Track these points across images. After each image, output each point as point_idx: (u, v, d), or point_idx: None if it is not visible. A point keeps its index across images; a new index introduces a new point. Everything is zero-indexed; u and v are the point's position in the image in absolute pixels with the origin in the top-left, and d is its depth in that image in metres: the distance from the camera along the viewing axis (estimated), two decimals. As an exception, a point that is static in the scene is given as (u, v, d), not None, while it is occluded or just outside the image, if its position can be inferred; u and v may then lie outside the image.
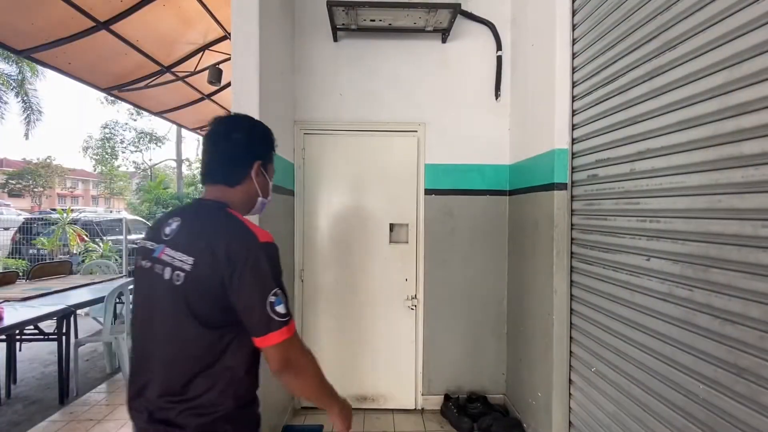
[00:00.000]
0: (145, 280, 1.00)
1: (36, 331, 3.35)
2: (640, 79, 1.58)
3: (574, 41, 2.13)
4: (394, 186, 2.87)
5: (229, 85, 3.86)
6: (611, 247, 1.78)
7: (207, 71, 4.20)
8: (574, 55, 2.13)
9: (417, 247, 2.88)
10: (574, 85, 2.13)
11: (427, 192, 2.89)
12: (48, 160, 24.14)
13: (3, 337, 3.04)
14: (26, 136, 15.02)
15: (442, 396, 2.88)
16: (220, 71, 4.20)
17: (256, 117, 2.04)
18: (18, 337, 3.37)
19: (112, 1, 3.08)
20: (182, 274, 0.91)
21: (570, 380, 2.14)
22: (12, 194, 24.74)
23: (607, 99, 1.81)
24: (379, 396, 2.88)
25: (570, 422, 2.13)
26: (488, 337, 2.93)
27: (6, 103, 14.28)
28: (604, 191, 1.85)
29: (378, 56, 2.89)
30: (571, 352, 2.14)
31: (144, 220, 11.45)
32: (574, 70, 2.13)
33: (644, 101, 1.56)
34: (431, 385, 2.92)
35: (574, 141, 2.13)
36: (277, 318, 0.91)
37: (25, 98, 14.27)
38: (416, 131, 2.89)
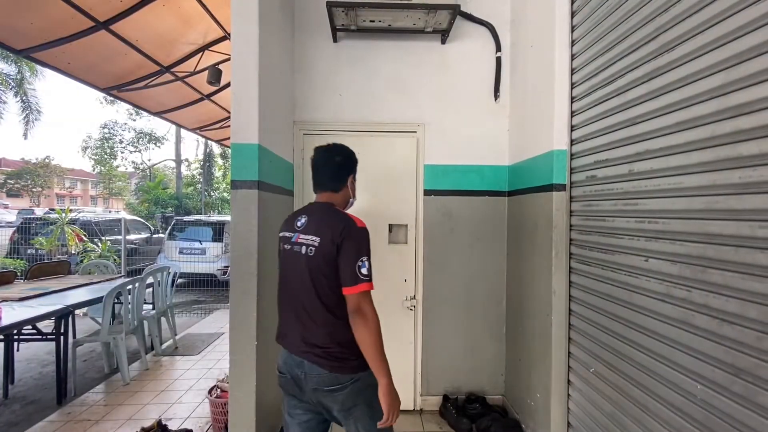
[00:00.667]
0: (289, 258, 1.50)
1: (34, 331, 3.34)
2: (639, 81, 1.59)
3: (573, 42, 2.14)
4: (394, 186, 2.87)
5: (228, 85, 3.86)
6: (610, 248, 1.78)
7: (206, 71, 4.20)
8: (573, 57, 2.14)
9: (416, 247, 2.88)
10: (573, 86, 2.13)
11: (427, 193, 2.90)
12: (47, 160, 24.12)
13: (1, 337, 3.03)
14: (25, 135, 15.01)
15: (441, 397, 2.88)
16: (220, 72, 4.20)
17: (255, 117, 2.05)
18: (16, 337, 3.36)
19: (111, 0, 3.08)
20: (313, 249, 1.41)
21: (568, 381, 2.14)
22: (10, 194, 24.71)
23: (606, 100, 1.82)
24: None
25: (568, 423, 2.13)
26: (487, 338, 2.93)
27: (5, 102, 14.27)
28: (602, 192, 1.85)
29: (377, 57, 2.89)
30: (569, 352, 2.14)
31: (143, 221, 11.42)
32: (573, 71, 2.13)
33: (643, 102, 1.57)
34: (430, 386, 2.92)
35: (573, 142, 2.14)
36: (360, 276, 1.35)
37: (24, 98, 14.26)
38: (416, 132, 2.89)
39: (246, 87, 2.05)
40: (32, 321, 2.79)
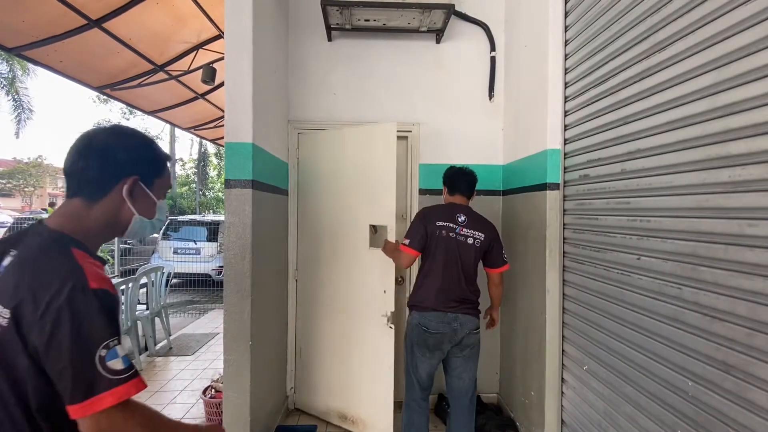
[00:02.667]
0: (452, 242, 2.08)
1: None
2: (631, 80, 1.60)
3: (566, 42, 2.15)
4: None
5: (223, 84, 3.85)
6: (603, 246, 1.80)
7: (201, 70, 4.18)
8: (566, 57, 2.15)
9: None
10: (566, 86, 2.15)
11: (422, 192, 2.90)
12: (39, 160, 23.86)
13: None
14: (17, 134, 14.86)
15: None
16: (214, 70, 4.17)
17: (249, 116, 2.04)
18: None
19: (104, -2, 3.05)
20: (479, 240, 2.08)
21: (562, 379, 2.15)
22: (2, 194, 24.43)
23: (598, 99, 1.83)
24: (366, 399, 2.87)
25: (562, 420, 2.15)
26: (482, 336, 2.93)
27: (-4, 101, 14.13)
28: (595, 191, 1.87)
29: (372, 56, 2.89)
30: (563, 350, 2.15)
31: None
32: (566, 71, 2.15)
33: (635, 102, 1.58)
34: (425, 385, 2.92)
35: (566, 141, 2.15)
36: (504, 259, 2.18)
37: (16, 96, 14.12)
38: (410, 131, 2.89)
39: (240, 86, 2.04)
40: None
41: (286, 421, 2.73)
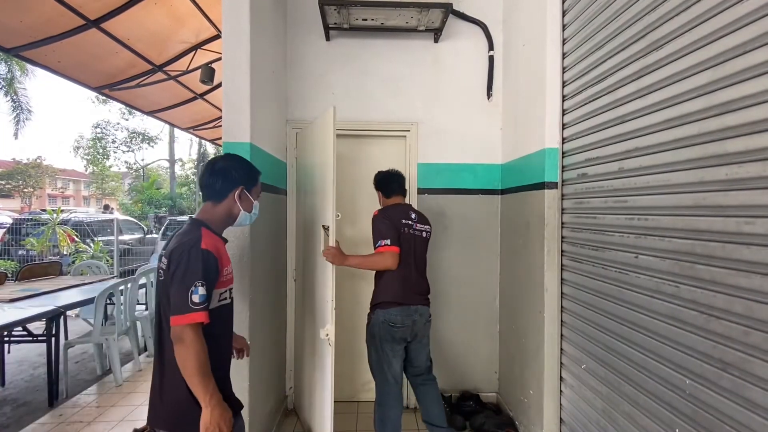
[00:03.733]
0: (411, 238, 2.19)
1: (25, 333, 3.31)
2: (628, 79, 1.60)
3: (564, 41, 2.15)
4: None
5: (221, 84, 3.85)
6: (600, 245, 1.80)
7: (199, 70, 4.18)
8: (564, 55, 2.15)
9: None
10: (564, 84, 2.15)
11: (420, 191, 2.90)
12: (38, 160, 23.80)
13: (-10, 338, 3.00)
14: (15, 135, 14.83)
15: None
16: (213, 70, 4.17)
17: (247, 116, 2.04)
18: (6, 338, 3.33)
19: (102, -2, 3.05)
20: (428, 233, 2.27)
21: (561, 377, 2.15)
22: (1, 195, 24.38)
23: (596, 98, 1.83)
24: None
25: (561, 419, 2.15)
26: (481, 336, 2.94)
27: (-5, 102, 14.09)
28: (593, 189, 1.87)
29: (370, 55, 2.89)
30: (561, 349, 2.15)
31: (136, 221, 11.33)
32: (564, 69, 2.15)
33: (632, 100, 1.58)
34: (424, 384, 2.92)
35: (564, 140, 2.15)
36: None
37: (15, 97, 14.09)
38: (409, 130, 2.89)
39: (237, 86, 2.03)
40: (22, 322, 2.76)
41: (284, 421, 2.73)
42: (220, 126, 2.13)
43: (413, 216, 2.24)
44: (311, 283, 2.46)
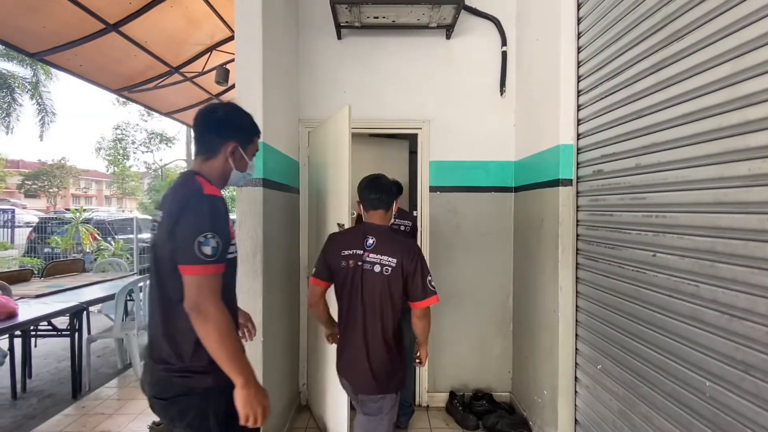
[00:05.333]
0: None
1: (50, 328, 3.43)
2: (646, 72, 1.55)
3: (579, 35, 2.10)
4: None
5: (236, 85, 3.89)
6: (617, 243, 1.76)
7: (214, 71, 4.24)
8: (579, 49, 2.10)
9: (421, 243, 2.87)
10: (579, 79, 2.10)
11: (432, 189, 2.89)
12: (62, 161, 24.61)
13: (18, 332, 3.12)
14: (41, 137, 15.38)
15: (448, 393, 2.88)
16: (227, 71, 4.23)
17: (260, 116, 2.06)
18: (33, 333, 3.45)
19: (121, 3, 3.13)
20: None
21: (576, 378, 2.12)
22: (28, 195, 25.31)
23: (612, 93, 1.79)
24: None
25: (576, 420, 2.11)
26: (494, 335, 2.92)
27: (21, 105, 14.62)
28: (609, 186, 1.83)
29: (382, 53, 2.89)
30: (576, 349, 2.12)
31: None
32: (579, 64, 2.10)
33: (650, 94, 1.54)
34: (436, 383, 2.92)
35: (579, 136, 2.11)
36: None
37: (39, 100, 14.58)
38: (420, 128, 2.88)
39: (250, 87, 2.06)
40: (48, 317, 2.87)
41: (298, 418, 2.76)
42: (234, 126, 2.15)
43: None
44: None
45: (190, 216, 1.08)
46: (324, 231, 2.50)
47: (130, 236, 8.63)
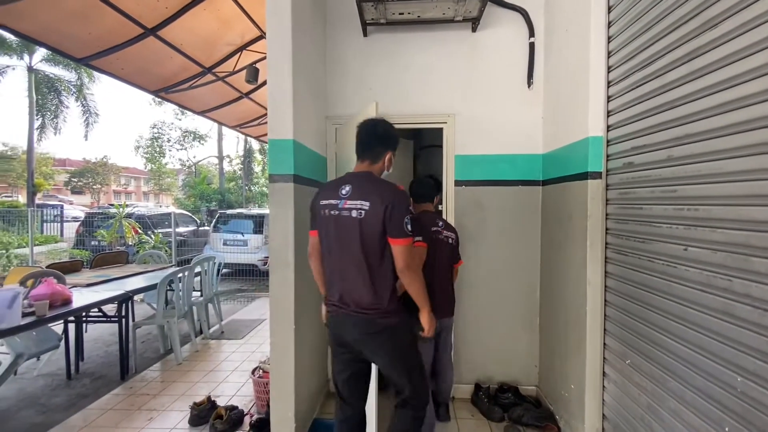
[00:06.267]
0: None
1: (100, 314, 3.70)
2: (679, 61, 1.52)
3: (609, 24, 2.05)
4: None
5: (265, 83, 4.01)
6: (647, 237, 1.73)
7: (245, 71, 4.39)
8: (609, 39, 2.06)
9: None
10: (609, 69, 2.06)
11: (457, 183, 2.90)
12: (104, 159, 26.04)
13: (72, 318, 3.39)
14: (85, 137, 16.34)
15: (473, 385, 2.91)
16: (257, 70, 4.37)
17: (290, 114, 2.15)
18: (84, 318, 3.74)
19: (158, 8, 3.29)
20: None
21: (604, 372, 2.10)
22: (74, 191, 26.97)
23: (644, 83, 1.75)
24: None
25: (603, 415, 2.10)
26: (520, 329, 2.91)
27: (67, 107, 15.56)
28: (639, 179, 1.79)
29: (407, 49, 2.91)
30: (604, 344, 2.10)
31: (190, 214, 12.12)
32: (609, 54, 2.06)
33: (682, 84, 1.50)
34: (461, 375, 2.95)
35: (609, 128, 2.07)
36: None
37: (84, 102, 15.48)
38: (446, 122, 2.89)
39: (281, 87, 2.14)
40: (98, 304, 3.11)
41: (327, 403, 2.87)
42: (265, 123, 2.26)
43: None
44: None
45: (400, 205, 1.57)
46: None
47: (168, 230, 9.07)
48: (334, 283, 1.70)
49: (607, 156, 2.08)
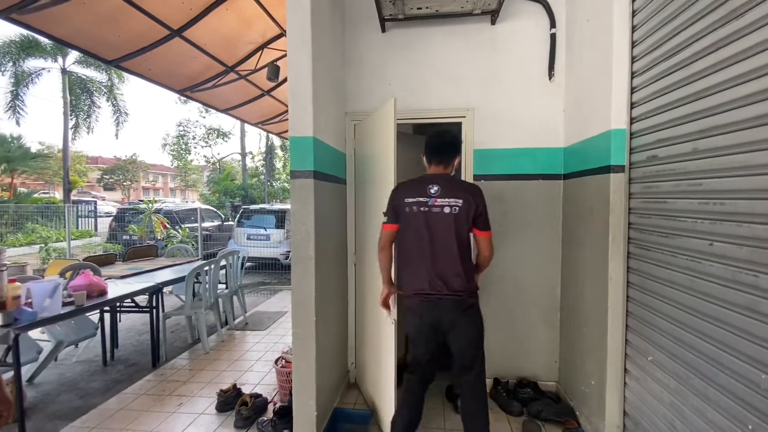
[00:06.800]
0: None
1: (132, 304, 3.90)
2: (705, 51, 1.47)
3: (634, 13, 2.00)
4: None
5: (286, 80, 4.07)
6: (671, 231, 1.69)
7: (266, 69, 4.47)
8: (633, 29, 2.00)
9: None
10: (633, 60, 2.01)
11: (476, 178, 2.89)
12: (134, 157, 27.02)
13: (108, 308, 3.58)
14: (116, 135, 16.98)
15: (492, 380, 2.91)
16: (278, 68, 4.44)
17: (310, 111, 2.19)
18: (118, 308, 3.94)
19: (183, 9, 3.40)
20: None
21: (625, 369, 2.07)
22: (106, 188, 28.15)
23: (669, 74, 1.70)
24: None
25: (625, 411, 2.08)
26: (540, 324, 2.89)
27: (99, 108, 16.21)
28: (664, 172, 1.75)
29: (426, 44, 2.91)
30: (626, 340, 2.07)
31: (215, 210, 12.47)
32: (633, 44, 2.00)
33: (709, 74, 1.45)
34: (481, 369, 2.96)
35: (633, 120, 2.02)
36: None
37: (114, 102, 16.07)
38: (464, 116, 2.88)
39: (301, 84, 2.18)
40: (131, 295, 3.28)
41: (347, 394, 2.94)
42: (286, 120, 2.32)
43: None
44: (372, 267, 2.58)
45: (484, 202, 1.96)
46: (370, 219, 2.62)
47: (195, 225, 9.39)
48: (420, 271, 1.95)
49: (631, 149, 2.04)
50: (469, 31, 2.86)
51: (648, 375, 1.86)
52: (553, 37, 2.74)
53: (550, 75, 2.78)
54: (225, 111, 5.93)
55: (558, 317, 2.86)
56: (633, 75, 2.00)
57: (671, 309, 1.68)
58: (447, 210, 1.92)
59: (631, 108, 2.02)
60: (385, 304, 2.17)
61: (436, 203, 1.93)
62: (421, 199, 1.94)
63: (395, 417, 2.07)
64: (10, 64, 13.68)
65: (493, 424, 2.53)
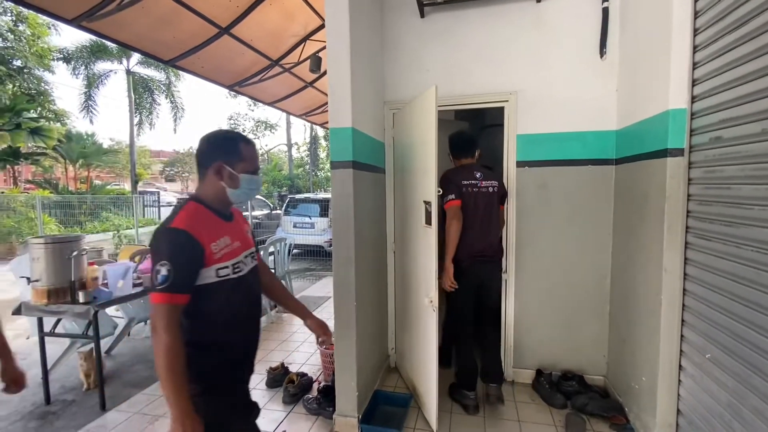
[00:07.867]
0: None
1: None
2: (781, 19, 1.31)
3: (697, -20, 1.82)
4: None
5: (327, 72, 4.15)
6: (735, 220, 1.55)
7: (308, 60, 4.57)
8: (697, -3, 1.82)
9: (507, 219, 2.82)
10: (695, 32, 1.83)
11: (519, 164, 2.80)
12: (191, 150, 28.81)
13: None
14: (174, 130, 18.23)
15: (534, 371, 2.86)
16: (320, 59, 4.52)
17: (348, 102, 2.23)
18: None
19: (230, 7, 3.55)
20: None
21: (680, 366, 1.95)
22: (167, 179, 30.37)
23: (736, 47, 1.54)
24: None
25: (678, 410, 1.97)
26: (588, 316, 2.78)
27: (159, 105, 17.41)
28: (728, 156, 1.60)
29: (465, 27, 2.83)
30: (682, 335, 1.94)
31: (264, 199, 13.07)
32: (696, 14, 1.83)
33: (785, 45, 1.30)
34: (522, 359, 2.91)
35: (693, 99, 1.86)
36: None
37: (172, 99, 17.18)
38: (507, 101, 2.78)
39: (340, 76, 2.23)
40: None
41: (387, 377, 3.02)
42: (327, 111, 2.37)
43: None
44: (413, 254, 2.63)
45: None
46: (410, 208, 2.64)
47: (245, 213, 9.90)
48: (477, 240, 2.46)
49: (691, 130, 1.87)
50: (512, 11, 2.74)
51: (705, 373, 1.74)
52: (605, 11, 2.56)
53: (602, 53, 2.60)
54: (271, 104, 6.15)
55: (607, 309, 2.74)
56: (695, 49, 1.83)
57: (733, 304, 1.56)
58: (491, 189, 2.51)
59: (693, 85, 1.85)
60: (451, 280, 2.45)
61: (482, 185, 2.49)
62: (473, 181, 2.49)
63: (466, 362, 2.57)
64: (83, 67, 15.02)
65: (535, 415, 2.51)
